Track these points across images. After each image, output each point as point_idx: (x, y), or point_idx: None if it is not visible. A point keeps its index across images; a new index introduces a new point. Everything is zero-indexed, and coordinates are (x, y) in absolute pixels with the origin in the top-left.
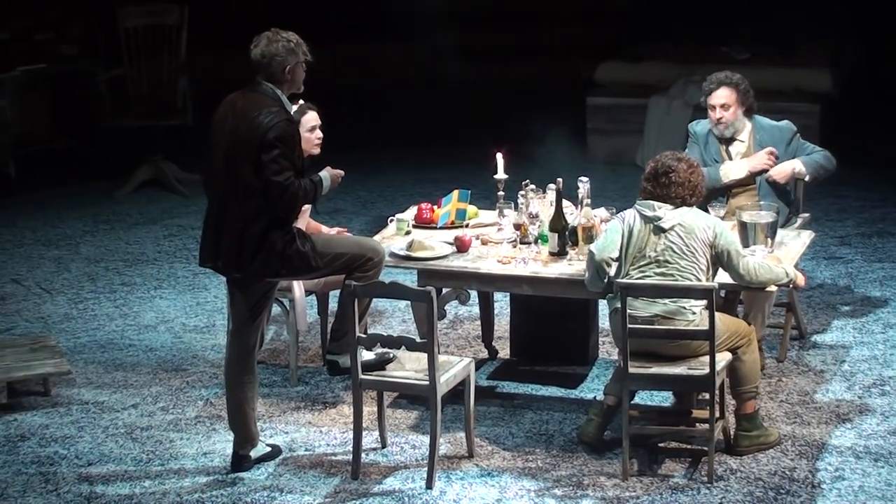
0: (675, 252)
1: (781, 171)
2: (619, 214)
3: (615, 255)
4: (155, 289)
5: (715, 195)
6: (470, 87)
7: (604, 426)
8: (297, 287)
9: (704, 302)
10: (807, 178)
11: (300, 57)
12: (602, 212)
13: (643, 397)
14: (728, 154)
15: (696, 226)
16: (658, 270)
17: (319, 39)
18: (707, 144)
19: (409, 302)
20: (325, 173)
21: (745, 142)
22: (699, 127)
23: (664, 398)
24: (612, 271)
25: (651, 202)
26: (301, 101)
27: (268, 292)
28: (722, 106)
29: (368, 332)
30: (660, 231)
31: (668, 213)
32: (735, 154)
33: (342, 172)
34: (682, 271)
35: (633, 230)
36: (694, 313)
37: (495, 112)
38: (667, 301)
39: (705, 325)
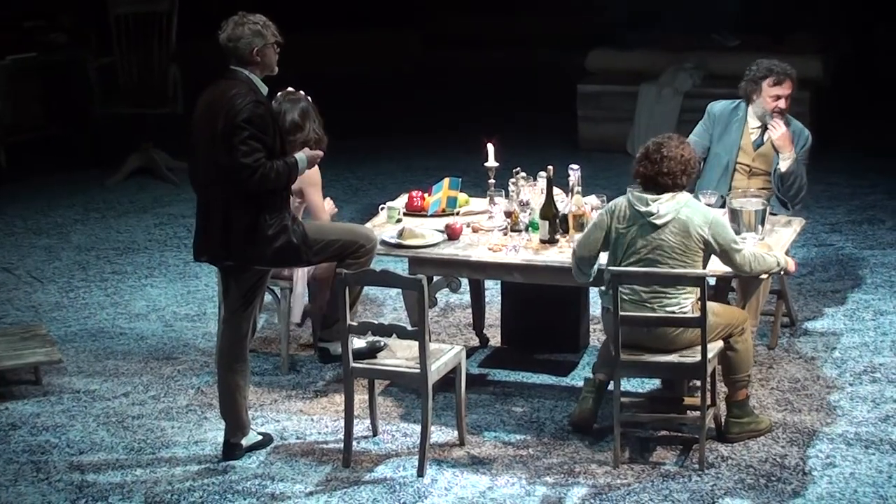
0: (664, 251)
1: (784, 137)
2: (607, 206)
3: (595, 252)
4: (146, 277)
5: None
6: (461, 74)
7: (599, 401)
8: (301, 281)
9: (692, 299)
10: (783, 169)
11: (268, 39)
12: (593, 199)
13: (634, 384)
14: (759, 140)
15: (691, 223)
16: (647, 269)
17: (309, 26)
18: (728, 125)
19: (400, 290)
20: (302, 154)
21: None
22: (718, 107)
23: (651, 384)
24: (594, 268)
25: (645, 196)
26: (290, 89)
27: (260, 280)
28: (786, 97)
29: (359, 320)
30: (652, 228)
31: (661, 208)
32: (766, 139)
33: (321, 153)
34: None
35: (620, 223)
36: (684, 313)
37: (486, 99)
38: (655, 306)
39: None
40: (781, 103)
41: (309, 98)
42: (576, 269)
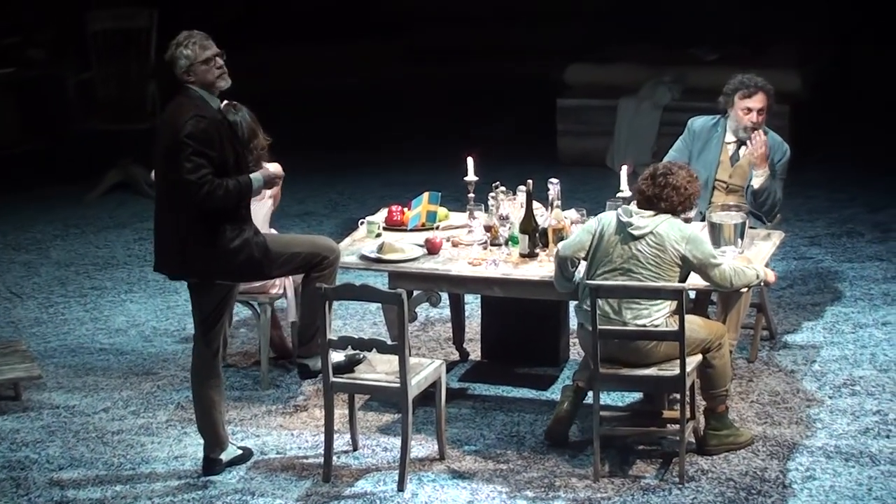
0: (639, 262)
1: (762, 156)
2: (600, 215)
3: (580, 255)
4: (125, 293)
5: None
6: (440, 87)
7: (575, 406)
8: (288, 281)
9: (664, 312)
10: (756, 186)
11: (195, 57)
12: (572, 213)
13: (614, 397)
14: (735, 155)
15: (667, 238)
16: (620, 279)
17: (290, 40)
18: (707, 142)
19: (379, 304)
20: (259, 175)
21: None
22: (698, 123)
23: (630, 397)
24: (577, 272)
25: (630, 208)
26: (225, 101)
27: (226, 296)
28: (759, 110)
29: (339, 334)
30: (630, 238)
31: (641, 221)
32: (742, 156)
33: (281, 174)
34: (644, 282)
35: (605, 233)
36: (655, 326)
37: (465, 113)
38: (627, 318)
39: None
40: (753, 116)
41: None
42: (557, 273)
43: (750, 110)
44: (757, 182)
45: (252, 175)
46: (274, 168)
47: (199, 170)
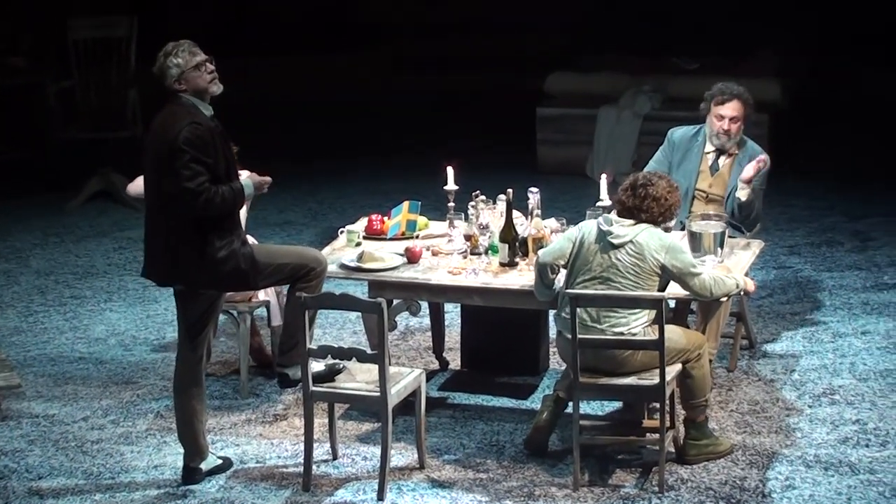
0: (618, 271)
1: (748, 172)
2: (580, 223)
3: (560, 262)
4: (105, 301)
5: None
6: (420, 97)
7: (555, 415)
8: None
9: (642, 321)
10: (742, 199)
11: (188, 63)
12: (552, 222)
13: (594, 407)
14: (715, 165)
15: (647, 247)
16: (600, 287)
17: (270, 50)
18: (687, 152)
19: (359, 313)
20: (248, 180)
21: (732, 157)
22: (678, 134)
23: (610, 406)
24: (557, 280)
25: (610, 216)
26: None
27: (213, 304)
28: (732, 118)
29: (319, 343)
30: (609, 247)
31: (621, 230)
32: (721, 165)
33: (269, 179)
34: (623, 291)
35: (585, 242)
36: (633, 335)
37: (445, 122)
38: (603, 326)
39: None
40: (725, 124)
41: None
42: (537, 281)
43: (722, 117)
44: (744, 195)
45: (243, 181)
46: (247, 174)
47: (196, 177)
